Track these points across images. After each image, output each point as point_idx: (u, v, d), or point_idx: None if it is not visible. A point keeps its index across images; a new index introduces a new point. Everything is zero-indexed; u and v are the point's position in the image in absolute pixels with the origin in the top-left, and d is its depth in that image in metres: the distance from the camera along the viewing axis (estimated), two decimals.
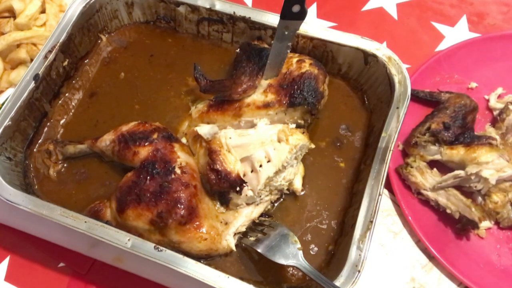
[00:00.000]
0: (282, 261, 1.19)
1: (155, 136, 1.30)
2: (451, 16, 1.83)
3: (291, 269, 1.30)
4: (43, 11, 1.70)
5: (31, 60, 1.61)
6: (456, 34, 1.78)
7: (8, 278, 1.41)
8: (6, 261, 1.43)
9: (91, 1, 1.50)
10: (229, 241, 1.26)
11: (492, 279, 1.35)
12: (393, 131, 1.30)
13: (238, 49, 1.47)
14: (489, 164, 1.33)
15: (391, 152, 1.26)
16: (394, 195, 1.45)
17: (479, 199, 1.39)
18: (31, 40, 1.61)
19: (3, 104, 1.34)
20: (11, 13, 1.66)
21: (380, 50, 1.42)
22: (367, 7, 1.86)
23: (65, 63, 1.48)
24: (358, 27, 1.81)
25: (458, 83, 1.63)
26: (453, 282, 1.38)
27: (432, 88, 1.59)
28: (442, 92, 1.54)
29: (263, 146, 1.26)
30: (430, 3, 1.86)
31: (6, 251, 1.44)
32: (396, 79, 1.38)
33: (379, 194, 1.21)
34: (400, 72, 1.38)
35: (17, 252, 1.44)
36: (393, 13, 1.84)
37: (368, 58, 1.44)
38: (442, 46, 1.75)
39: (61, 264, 1.42)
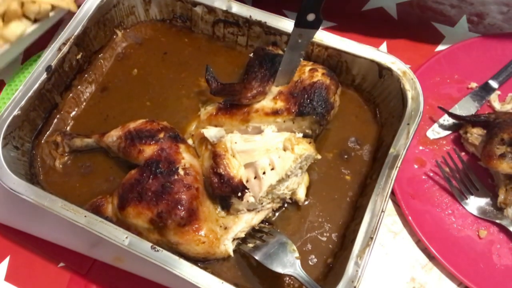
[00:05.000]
0: (279, 269, 1.18)
1: (161, 135, 1.30)
2: (451, 16, 1.82)
3: (288, 278, 1.28)
4: None
5: (23, 15, 1.54)
6: (456, 34, 1.77)
7: (8, 278, 1.42)
8: (6, 261, 1.44)
9: None
10: (227, 246, 1.26)
11: (492, 279, 1.34)
12: (402, 147, 1.27)
13: (252, 54, 1.46)
14: None
15: (397, 169, 1.24)
16: (394, 195, 1.44)
17: None
18: None
19: None
20: None
21: (396, 64, 1.39)
22: (367, 7, 1.85)
23: (79, 56, 1.49)
24: (358, 27, 1.79)
25: (458, 83, 1.62)
26: (453, 282, 1.37)
27: (432, 89, 1.60)
28: (483, 114, 1.52)
29: (268, 153, 1.25)
30: (430, 3, 1.84)
31: (6, 251, 1.45)
32: (410, 94, 1.35)
33: (382, 211, 1.19)
34: (414, 88, 1.36)
35: (17, 252, 1.45)
36: (393, 13, 1.83)
37: (382, 71, 1.42)
38: (442, 46, 1.74)
39: (61, 264, 1.42)
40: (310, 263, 1.30)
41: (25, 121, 1.37)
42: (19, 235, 1.44)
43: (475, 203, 1.44)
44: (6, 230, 1.45)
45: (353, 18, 1.83)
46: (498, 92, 1.59)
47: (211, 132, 1.29)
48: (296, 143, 1.25)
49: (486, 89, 1.60)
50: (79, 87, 1.53)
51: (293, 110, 1.31)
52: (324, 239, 1.33)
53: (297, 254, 1.21)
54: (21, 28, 1.50)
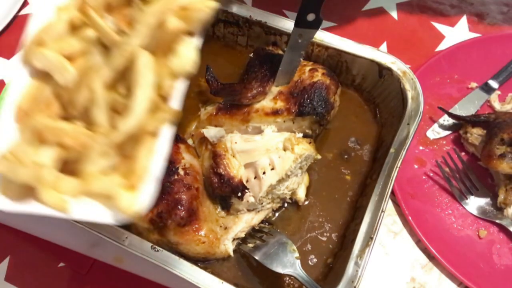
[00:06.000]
0: (279, 269, 1.18)
1: None
2: (451, 16, 1.81)
3: (288, 278, 1.28)
4: None
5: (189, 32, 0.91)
6: (456, 34, 1.77)
7: (8, 278, 1.41)
8: (6, 261, 1.43)
9: None
10: (227, 246, 1.26)
11: (492, 279, 1.34)
12: (402, 147, 1.27)
13: (252, 54, 1.46)
14: None
15: (397, 169, 1.24)
16: (394, 195, 1.44)
17: None
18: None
19: None
20: None
21: (396, 64, 1.39)
22: (367, 7, 1.85)
23: None
24: (358, 27, 1.79)
25: (458, 83, 1.62)
26: (453, 282, 1.37)
27: (432, 89, 1.59)
28: (483, 114, 1.52)
29: (268, 153, 1.25)
30: (430, 3, 1.84)
31: (6, 251, 1.44)
32: (410, 94, 1.35)
33: (382, 211, 1.19)
34: (414, 88, 1.36)
35: (17, 252, 1.44)
36: (393, 13, 1.83)
37: (382, 71, 1.41)
38: (442, 46, 1.74)
39: (61, 264, 1.42)
40: (310, 263, 1.31)
41: None
42: (19, 235, 1.44)
43: (475, 203, 1.44)
44: (6, 230, 1.45)
45: (353, 18, 1.82)
46: (498, 92, 1.59)
47: (211, 132, 1.29)
48: (296, 143, 1.25)
49: (486, 89, 1.60)
50: None
51: (293, 110, 1.31)
52: (324, 239, 1.33)
53: (297, 254, 1.21)
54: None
